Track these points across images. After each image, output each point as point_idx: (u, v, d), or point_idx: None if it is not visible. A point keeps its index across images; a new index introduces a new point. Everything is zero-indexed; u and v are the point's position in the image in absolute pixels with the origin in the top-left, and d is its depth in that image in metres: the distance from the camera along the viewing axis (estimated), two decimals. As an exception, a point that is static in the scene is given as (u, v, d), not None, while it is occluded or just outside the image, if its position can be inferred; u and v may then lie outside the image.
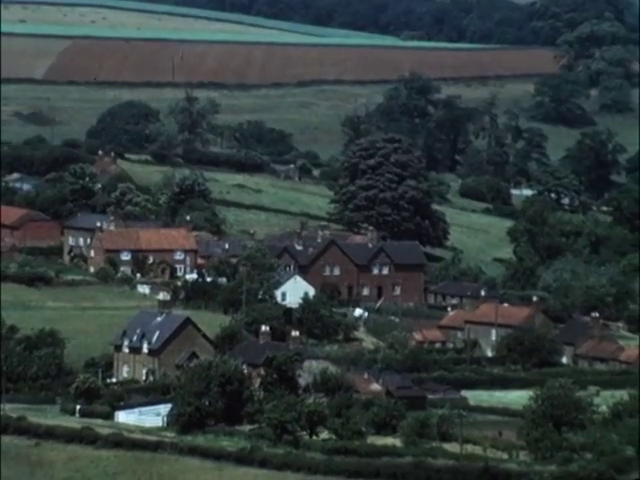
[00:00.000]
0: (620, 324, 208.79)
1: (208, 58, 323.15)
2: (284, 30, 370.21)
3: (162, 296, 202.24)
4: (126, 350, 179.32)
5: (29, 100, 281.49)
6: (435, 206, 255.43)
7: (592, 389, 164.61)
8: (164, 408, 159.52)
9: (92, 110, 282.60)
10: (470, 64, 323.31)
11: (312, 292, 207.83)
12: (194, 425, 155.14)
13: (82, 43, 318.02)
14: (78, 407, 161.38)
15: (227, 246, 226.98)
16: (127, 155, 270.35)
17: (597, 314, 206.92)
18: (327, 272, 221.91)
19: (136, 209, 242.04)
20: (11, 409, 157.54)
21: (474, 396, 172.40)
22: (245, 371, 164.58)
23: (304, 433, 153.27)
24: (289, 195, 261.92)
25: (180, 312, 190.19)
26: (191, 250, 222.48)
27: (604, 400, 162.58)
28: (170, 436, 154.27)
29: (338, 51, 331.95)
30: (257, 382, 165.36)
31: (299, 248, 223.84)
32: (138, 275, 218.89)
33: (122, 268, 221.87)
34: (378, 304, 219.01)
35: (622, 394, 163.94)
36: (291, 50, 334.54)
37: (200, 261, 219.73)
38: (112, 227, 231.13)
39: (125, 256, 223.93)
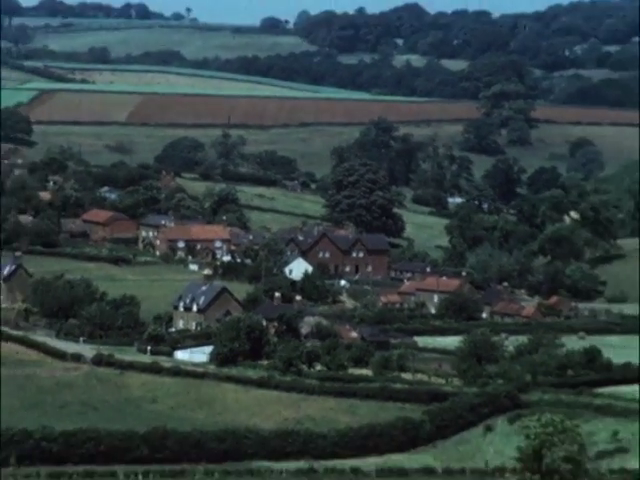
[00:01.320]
0: (522, 291, 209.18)
1: (238, 107, 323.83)
2: (291, 88, 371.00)
3: (206, 272, 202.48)
4: (181, 309, 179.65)
5: (115, 136, 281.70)
6: (395, 210, 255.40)
7: (503, 335, 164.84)
8: (208, 349, 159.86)
9: (158, 143, 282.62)
10: (419, 112, 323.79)
11: (310, 269, 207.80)
12: (228, 361, 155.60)
13: (152, 97, 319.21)
14: (149, 348, 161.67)
15: (251, 237, 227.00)
16: (182, 174, 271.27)
17: (506, 284, 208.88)
18: (320, 255, 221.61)
19: (188, 211, 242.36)
20: (103, 349, 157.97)
21: (422, 340, 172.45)
22: (264, 323, 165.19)
23: (304, 366, 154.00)
24: (294, 202, 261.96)
25: (218, 283, 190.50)
26: (226, 240, 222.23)
27: (511, 342, 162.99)
28: (212, 368, 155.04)
29: (328, 103, 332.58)
30: (272, 331, 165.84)
31: (301, 238, 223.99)
32: (189, 257, 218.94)
33: (179, 252, 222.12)
34: (356, 277, 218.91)
35: (523, 339, 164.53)
36: (296, 102, 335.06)
37: (232, 248, 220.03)
38: (172, 224, 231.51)
39: (180, 244, 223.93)
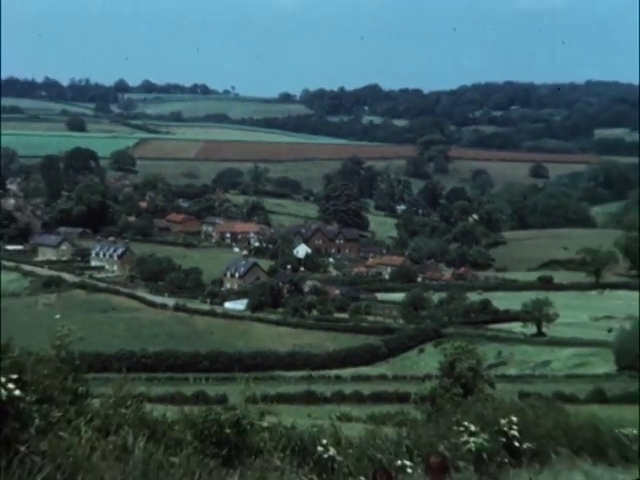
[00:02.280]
0: (442, 264, 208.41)
1: (264, 149, 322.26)
2: (297, 137, 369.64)
3: (244, 253, 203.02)
4: (228, 276, 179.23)
5: (187, 167, 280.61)
6: (363, 213, 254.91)
7: (430, 292, 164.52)
8: (244, 301, 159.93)
9: (214, 171, 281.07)
10: (378, 152, 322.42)
11: (309, 251, 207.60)
12: (257, 308, 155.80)
13: (210, 143, 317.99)
14: (208, 300, 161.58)
15: (272, 231, 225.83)
16: (229, 191, 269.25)
17: (433, 260, 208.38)
18: (316, 242, 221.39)
19: (232, 214, 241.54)
20: (180, 300, 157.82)
21: (380, 296, 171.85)
22: (280, 285, 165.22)
23: (305, 312, 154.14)
24: (299, 209, 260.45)
25: (252, 259, 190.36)
26: (256, 232, 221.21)
27: (435, 297, 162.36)
28: (247, 313, 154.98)
29: (321, 146, 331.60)
30: (285, 290, 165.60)
31: (303, 231, 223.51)
32: (233, 243, 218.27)
33: (226, 240, 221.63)
34: (338, 256, 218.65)
35: (443, 294, 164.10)
36: (300, 146, 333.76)
37: (260, 237, 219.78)
38: (222, 222, 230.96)
39: (227, 235, 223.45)
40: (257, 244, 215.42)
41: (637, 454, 42.01)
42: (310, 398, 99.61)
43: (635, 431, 44.85)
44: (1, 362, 11.89)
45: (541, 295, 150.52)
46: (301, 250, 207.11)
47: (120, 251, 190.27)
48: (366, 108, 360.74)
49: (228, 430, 16.79)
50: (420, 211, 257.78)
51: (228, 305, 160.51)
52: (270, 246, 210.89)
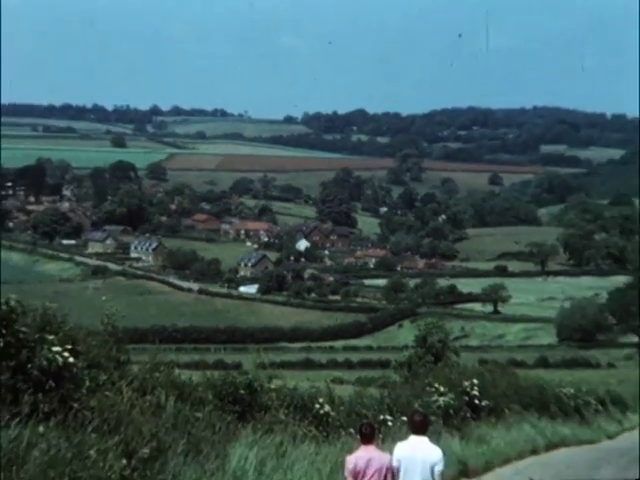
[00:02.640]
0: (417, 256, 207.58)
1: (271, 161, 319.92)
2: (298, 151, 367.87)
3: (255, 247, 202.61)
4: (242, 265, 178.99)
5: (208, 176, 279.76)
6: (353, 214, 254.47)
7: (407, 278, 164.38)
8: (255, 286, 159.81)
9: (231, 180, 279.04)
10: (365, 164, 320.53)
11: (309, 245, 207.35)
12: (266, 292, 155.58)
13: (228, 157, 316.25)
14: (226, 285, 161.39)
15: (278, 228, 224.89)
16: (243, 196, 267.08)
17: (409, 252, 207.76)
18: (314, 238, 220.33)
19: (245, 215, 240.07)
20: (202, 285, 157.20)
21: (367, 282, 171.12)
22: (285, 273, 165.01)
23: (305, 294, 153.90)
24: (301, 210, 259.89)
25: (261, 252, 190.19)
26: (265, 230, 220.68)
27: (412, 282, 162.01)
28: (258, 295, 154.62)
29: (318, 159, 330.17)
30: (289, 276, 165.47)
31: (304, 229, 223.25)
32: (246, 239, 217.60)
33: (241, 236, 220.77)
34: (332, 249, 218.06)
35: (417, 280, 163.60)
36: (301, 159, 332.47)
37: (269, 234, 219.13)
38: (237, 221, 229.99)
39: (242, 232, 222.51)
40: (266, 239, 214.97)
41: (574, 408, 41.96)
42: (309, 365, 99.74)
43: (572, 390, 44.69)
44: (58, 335, 11.96)
45: (497, 281, 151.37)
46: (302, 244, 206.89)
47: (154, 245, 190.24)
48: (355, 128, 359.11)
49: (242, 391, 16.87)
50: (399, 212, 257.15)
51: (242, 289, 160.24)
52: (276, 241, 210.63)
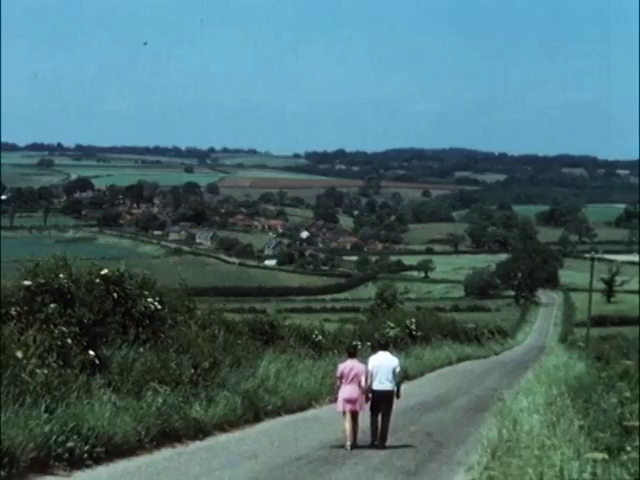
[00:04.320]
0: (377, 241, 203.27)
1: (283, 182, 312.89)
2: (299, 175, 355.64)
3: (274, 236, 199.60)
4: (267, 247, 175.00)
5: (245, 191, 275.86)
6: (337, 215, 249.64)
7: (371, 256, 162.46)
8: (275, 260, 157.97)
9: (259, 193, 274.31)
10: (342, 184, 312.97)
11: (308, 234, 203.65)
12: (282, 264, 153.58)
13: (256, 179, 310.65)
14: (257, 259, 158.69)
15: (289, 224, 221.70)
16: (267, 203, 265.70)
17: (372, 239, 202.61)
18: (311, 230, 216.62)
19: (268, 216, 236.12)
20: (241, 260, 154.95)
21: (345, 257, 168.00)
22: (293, 252, 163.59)
23: (307, 266, 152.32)
24: (303, 213, 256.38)
25: (279, 239, 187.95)
26: (281, 225, 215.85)
27: (373, 258, 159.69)
28: (276, 266, 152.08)
29: (314, 181, 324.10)
30: (296, 254, 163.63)
31: (305, 225, 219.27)
32: (269, 231, 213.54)
33: (266, 229, 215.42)
34: (324, 237, 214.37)
35: (378, 257, 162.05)
36: (303, 181, 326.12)
37: (283, 228, 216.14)
38: (263, 219, 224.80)
39: (266, 226, 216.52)
40: (281, 231, 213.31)
41: (474, 336, 43.06)
42: (308, 310, 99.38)
43: (473, 325, 44.99)
44: (151, 291, 12.01)
45: (427, 257, 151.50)
46: (304, 234, 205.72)
47: (211, 235, 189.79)
48: (338, 161, 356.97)
49: (266, 327, 16.92)
50: (365, 214, 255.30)
51: (266, 262, 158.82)
52: (288, 232, 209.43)
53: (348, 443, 10.21)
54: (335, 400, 10.69)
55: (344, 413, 10.42)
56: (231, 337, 14.60)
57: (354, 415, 10.39)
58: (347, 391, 10.44)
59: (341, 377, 10.62)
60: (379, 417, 10.57)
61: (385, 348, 11.14)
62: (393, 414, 10.74)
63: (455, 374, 25.98)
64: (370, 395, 10.55)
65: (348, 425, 10.26)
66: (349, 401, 10.39)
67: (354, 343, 14.96)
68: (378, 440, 10.50)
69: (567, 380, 13.65)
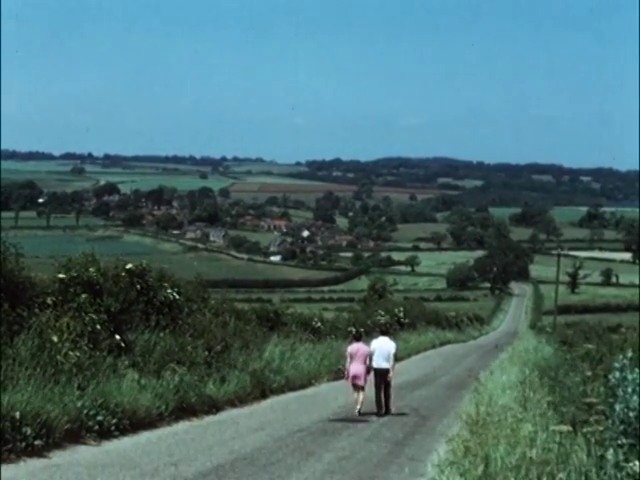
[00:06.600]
0: (369, 239, 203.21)
1: (287, 187, 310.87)
2: (300, 181, 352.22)
3: (279, 234, 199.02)
4: (272, 245, 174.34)
5: (253, 195, 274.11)
6: (334, 217, 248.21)
7: (364, 252, 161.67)
8: (279, 256, 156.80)
9: (265, 197, 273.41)
10: (337, 189, 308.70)
11: (309, 233, 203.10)
12: (285, 259, 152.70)
13: (264, 185, 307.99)
14: (263, 255, 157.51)
15: (292, 224, 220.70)
16: (272, 206, 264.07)
17: (365, 237, 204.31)
18: (312, 229, 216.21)
19: (273, 216, 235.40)
20: (249, 256, 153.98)
21: (341, 254, 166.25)
22: (295, 248, 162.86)
23: (307, 261, 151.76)
24: (304, 214, 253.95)
25: (283, 237, 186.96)
26: (285, 224, 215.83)
27: (366, 254, 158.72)
28: (281, 261, 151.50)
29: (314, 186, 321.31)
30: (298, 251, 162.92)
31: (306, 224, 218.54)
32: (274, 229, 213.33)
33: (271, 228, 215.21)
34: (322, 236, 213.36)
35: (370, 253, 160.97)
36: (303, 186, 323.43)
37: (287, 227, 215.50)
38: (269, 219, 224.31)
39: (272, 226, 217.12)
40: (285, 230, 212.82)
41: (455, 323, 43.42)
42: (309, 300, 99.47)
43: (454, 313, 45.08)
44: (169, 282, 11.95)
45: (413, 254, 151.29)
46: (305, 233, 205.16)
47: (223, 234, 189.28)
48: (334, 168, 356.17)
49: (272, 314, 16.90)
50: (359, 215, 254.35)
51: (272, 258, 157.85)
52: (291, 231, 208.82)
53: (357, 407, 11.09)
54: (345, 375, 11.66)
55: (353, 385, 11.37)
56: (240, 324, 14.64)
57: (361, 387, 11.32)
58: (354, 368, 11.40)
59: (350, 357, 11.55)
60: (382, 392, 11.44)
61: (385, 334, 12.01)
62: (393, 389, 11.64)
63: (438, 356, 26.29)
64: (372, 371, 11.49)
65: (355, 395, 11.27)
66: (356, 376, 11.35)
67: (360, 330, 15.55)
68: (383, 410, 11.32)
69: (536, 361, 13.87)
